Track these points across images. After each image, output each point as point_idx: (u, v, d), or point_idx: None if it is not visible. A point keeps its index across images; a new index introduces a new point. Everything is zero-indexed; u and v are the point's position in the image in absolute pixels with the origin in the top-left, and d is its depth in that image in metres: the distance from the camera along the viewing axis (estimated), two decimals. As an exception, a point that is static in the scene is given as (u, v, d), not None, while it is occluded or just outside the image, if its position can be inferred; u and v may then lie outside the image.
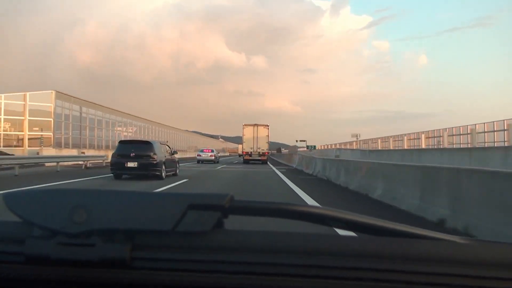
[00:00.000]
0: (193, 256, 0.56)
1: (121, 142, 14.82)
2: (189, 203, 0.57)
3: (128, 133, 40.96)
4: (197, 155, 33.17)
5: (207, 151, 33.55)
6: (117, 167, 13.36)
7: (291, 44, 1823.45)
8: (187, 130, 71.72)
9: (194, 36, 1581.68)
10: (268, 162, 31.93)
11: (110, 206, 0.60)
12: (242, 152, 33.13)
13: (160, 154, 13.71)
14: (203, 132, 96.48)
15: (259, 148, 31.76)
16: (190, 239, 0.57)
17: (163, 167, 13.69)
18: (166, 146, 15.39)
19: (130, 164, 13.15)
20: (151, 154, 13.29)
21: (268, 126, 32.51)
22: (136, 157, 13.17)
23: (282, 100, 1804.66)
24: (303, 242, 0.57)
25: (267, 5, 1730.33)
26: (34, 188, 2.97)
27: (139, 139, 19.57)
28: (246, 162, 31.33)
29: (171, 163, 14.92)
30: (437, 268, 0.54)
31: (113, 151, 14.13)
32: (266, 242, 0.58)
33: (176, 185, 11.88)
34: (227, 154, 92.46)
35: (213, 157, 32.23)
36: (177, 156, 16.47)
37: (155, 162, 13.26)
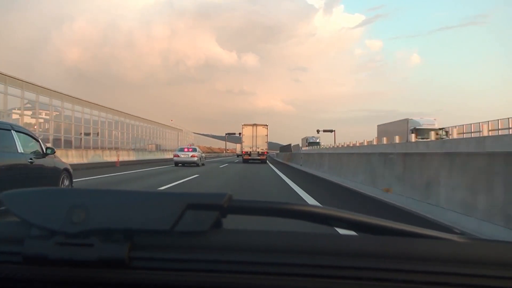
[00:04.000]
0: (192, 255, 0.57)
1: None
2: (188, 203, 0.57)
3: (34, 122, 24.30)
4: (174, 156, 25.18)
5: (188, 150, 25.47)
6: None
7: (283, 43, 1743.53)
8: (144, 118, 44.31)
9: (185, 34, 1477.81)
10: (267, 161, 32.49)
11: (108, 206, 0.59)
12: (242, 151, 33.05)
13: None
14: (193, 131, 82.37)
15: (258, 148, 31.82)
16: (189, 239, 0.57)
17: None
18: (20, 136, 6.12)
19: None
20: None
21: (267, 125, 32.68)
22: None
23: (274, 99, 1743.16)
24: (303, 242, 0.58)
25: (260, 2, 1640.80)
26: (32, 188, 1.11)
27: None
28: (245, 161, 31.10)
29: (36, 174, 6.51)
30: (437, 267, 0.54)
31: None
32: (265, 241, 0.58)
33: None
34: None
35: (195, 158, 24.40)
36: (60, 157, 8.37)
37: None
